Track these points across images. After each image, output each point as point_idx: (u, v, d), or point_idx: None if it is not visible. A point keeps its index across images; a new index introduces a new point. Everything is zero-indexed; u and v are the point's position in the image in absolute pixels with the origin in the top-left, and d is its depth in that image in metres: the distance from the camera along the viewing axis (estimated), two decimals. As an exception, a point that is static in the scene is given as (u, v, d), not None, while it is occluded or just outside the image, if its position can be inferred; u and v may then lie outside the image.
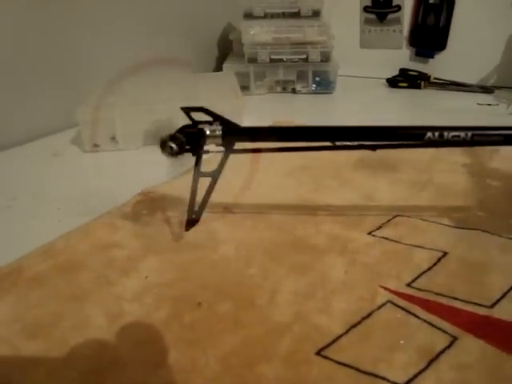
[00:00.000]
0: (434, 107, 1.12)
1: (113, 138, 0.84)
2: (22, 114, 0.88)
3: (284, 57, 1.16)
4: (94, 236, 0.57)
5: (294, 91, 1.21)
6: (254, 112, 0.96)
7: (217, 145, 0.50)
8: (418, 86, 1.26)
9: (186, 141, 0.48)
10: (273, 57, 1.15)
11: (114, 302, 0.46)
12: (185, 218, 0.57)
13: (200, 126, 0.49)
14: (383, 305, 0.45)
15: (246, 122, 0.81)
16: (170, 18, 1.19)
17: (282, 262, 0.52)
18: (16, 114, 0.88)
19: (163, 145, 0.47)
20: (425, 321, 0.43)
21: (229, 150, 0.50)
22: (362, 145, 0.50)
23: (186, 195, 0.62)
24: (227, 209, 0.62)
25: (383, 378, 0.37)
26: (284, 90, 1.22)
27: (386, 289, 0.47)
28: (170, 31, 1.20)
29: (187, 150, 0.49)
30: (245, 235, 0.57)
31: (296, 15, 1.18)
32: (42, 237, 0.56)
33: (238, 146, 0.54)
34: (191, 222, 0.52)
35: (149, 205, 0.64)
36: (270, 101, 1.18)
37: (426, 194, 0.67)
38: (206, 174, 0.51)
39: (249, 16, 1.17)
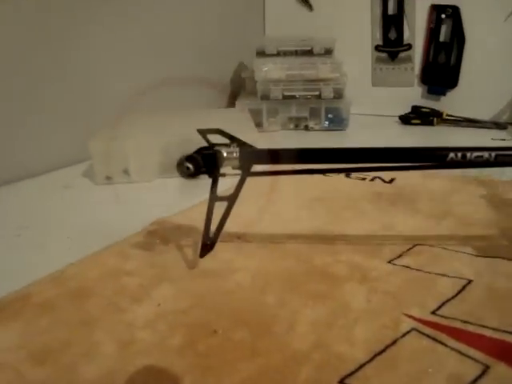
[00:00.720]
0: (448, 143, 1.11)
1: (125, 171, 0.84)
2: (36, 146, 0.88)
3: (297, 93, 1.16)
4: (105, 264, 0.56)
5: (306, 128, 1.21)
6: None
7: (233, 168, 0.49)
8: (431, 123, 1.25)
9: (203, 163, 0.47)
10: (286, 93, 1.16)
11: (125, 328, 0.44)
12: (199, 246, 0.55)
13: (217, 148, 0.48)
14: (408, 332, 0.43)
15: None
16: (184, 56, 1.21)
17: (299, 290, 0.50)
18: (29, 147, 0.88)
19: (179, 165, 0.46)
20: (453, 349, 0.41)
21: (246, 172, 0.48)
22: (384, 167, 0.49)
23: (199, 224, 0.60)
24: (241, 238, 0.61)
25: (414, 409, 0.35)
26: (297, 126, 1.22)
27: (409, 316, 0.45)
28: (183, 69, 1.21)
29: (203, 172, 0.48)
30: (260, 264, 0.55)
31: (308, 53, 1.19)
32: (51, 265, 0.55)
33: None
34: (206, 248, 0.51)
35: (162, 234, 0.63)
36: (282, 137, 1.18)
37: (446, 223, 0.65)
38: (222, 199, 0.49)
39: (261, 54, 1.19)
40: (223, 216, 0.49)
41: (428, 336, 0.42)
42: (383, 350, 0.41)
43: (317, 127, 1.20)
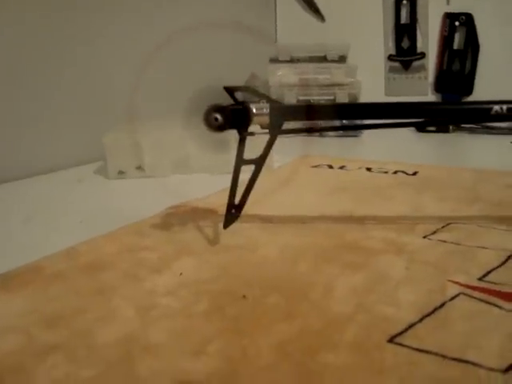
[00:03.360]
0: (465, 149, 1.09)
1: (139, 167, 0.81)
2: (50, 145, 0.87)
3: (311, 98, 1.14)
4: (121, 240, 0.52)
5: (321, 134, 1.18)
6: (281, 153, 0.92)
7: (262, 126, 0.46)
8: (447, 130, 1.22)
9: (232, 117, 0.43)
10: (300, 98, 1.14)
11: (145, 295, 0.41)
12: (219, 226, 0.52)
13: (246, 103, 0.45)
14: (456, 296, 0.39)
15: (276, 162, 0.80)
16: (196, 64, 1.20)
17: (333, 261, 0.46)
18: (43, 145, 0.86)
19: (207, 115, 0.43)
20: (510, 310, 0.37)
21: (276, 130, 0.45)
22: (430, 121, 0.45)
23: (219, 208, 0.58)
24: (264, 220, 0.57)
25: (476, 365, 0.31)
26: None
27: (455, 282, 0.41)
28: (195, 77, 1.19)
29: (231, 127, 0.44)
30: (288, 239, 0.52)
31: (322, 59, 1.17)
32: (63, 243, 0.51)
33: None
34: (231, 217, 0.47)
35: (180, 216, 0.59)
36: (296, 142, 1.15)
37: (477, 206, 0.61)
38: (249, 162, 0.46)
39: (275, 60, 1.17)
40: (250, 180, 0.46)
41: (479, 299, 0.38)
42: (432, 312, 0.37)
43: (331, 133, 1.18)
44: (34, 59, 0.84)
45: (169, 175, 0.81)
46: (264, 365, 0.32)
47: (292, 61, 1.17)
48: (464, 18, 1.23)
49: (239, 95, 0.48)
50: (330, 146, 1.13)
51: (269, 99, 0.45)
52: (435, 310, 0.37)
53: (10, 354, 0.33)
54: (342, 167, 0.82)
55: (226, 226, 0.47)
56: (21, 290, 0.42)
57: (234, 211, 0.47)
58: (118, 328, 0.36)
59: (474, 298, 0.39)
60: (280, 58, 1.17)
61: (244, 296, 0.40)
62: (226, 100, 0.48)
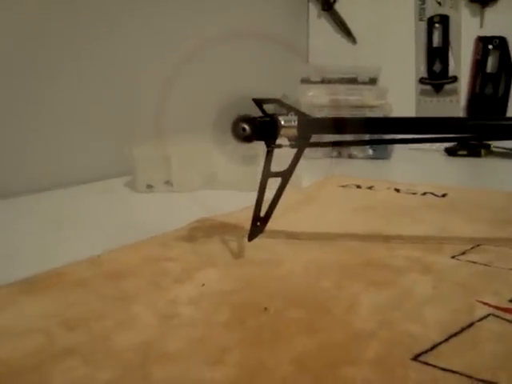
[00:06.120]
0: (497, 174, 1.07)
1: (167, 181, 0.81)
2: (81, 156, 0.88)
3: (340, 119, 1.13)
4: (145, 251, 0.52)
5: (350, 156, 1.18)
6: (310, 173, 0.92)
7: (290, 139, 0.46)
8: (478, 155, 1.20)
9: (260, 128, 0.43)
10: (329, 119, 1.13)
11: (166, 304, 0.40)
12: (244, 240, 0.51)
13: (274, 115, 0.45)
14: (485, 317, 0.38)
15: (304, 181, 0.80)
16: (226, 85, 1.21)
17: (357, 277, 0.45)
18: (75, 156, 0.87)
19: (235, 125, 0.43)
20: (543, 333, 0.35)
21: (304, 143, 0.45)
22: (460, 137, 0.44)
23: (244, 223, 0.57)
24: (289, 236, 0.57)
25: (505, 386, 0.29)
26: (340, 154, 1.18)
27: (485, 303, 0.40)
28: (225, 97, 1.20)
29: (259, 138, 0.44)
30: (312, 256, 0.51)
31: (353, 81, 1.17)
32: (88, 252, 0.52)
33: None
34: (256, 230, 0.47)
35: (205, 229, 0.59)
36: (325, 164, 1.14)
37: (509, 229, 0.60)
38: (276, 174, 0.46)
39: (306, 81, 1.17)
40: (277, 192, 0.46)
41: (510, 321, 0.37)
42: (459, 332, 0.36)
43: (360, 155, 1.17)
44: (67, 74, 0.86)
45: (196, 190, 0.81)
46: (282, 377, 0.31)
47: (323, 81, 1.18)
48: (497, 41, 1.22)
49: (268, 108, 0.48)
50: (359, 168, 1.12)
51: (297, 112, 0.45)
52: (463, 329, 0.36)
53: (30, 355, 0.33)
54: (370, 187, 0.81)
55: (250, 238, 0.47)
56: (44, 293, 0.42)
57: (259, 224, 0.47)
58: (136, 334, 0.36)
59: (505, 319, 0.37)
60: (311, 79, 1.18)
61: (265, 308, 0.39)
62: (255, 112, 0.48)
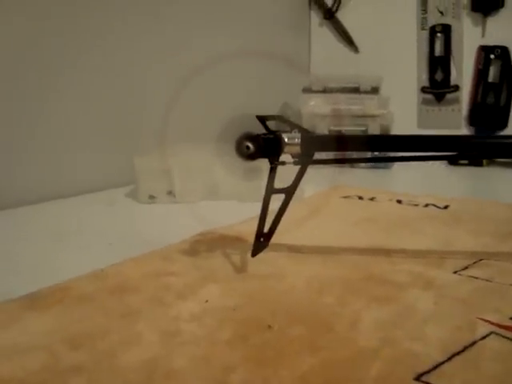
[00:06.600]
0: (499, 183, 1.07)
1: (170, 192, 0.82)
2: (82, 166, 0.89)
3: (343, 129, 1.14)
4: (148, 265, 0.53)
5: (352, 165, 1.18)
6: (311, 183, 0.92)
7: (294, 155, 0.46)
8: (480, 164, 1.21)
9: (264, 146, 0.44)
10: (331, 128, 1.14)
11: (169, 321, 0.41)
12: (247, 254, 0.52)
13: (278, 133, 0.45)
14: (487, 335, 0.38)
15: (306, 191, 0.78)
16: (229, 94, 1.21)
17: (359, 293, 0.45)
18: (76, 166, 0.88)
19: (239, 143, 0.43)
20: (544, 352, 0.35)
21: (308, 160, 0.45)
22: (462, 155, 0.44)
23: (247, 236, 0.57)
24: (292, 249, 0.57)
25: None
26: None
27: (486, 321, 0.40)
28: (228, 106, 1.21)
29: (263, 156, 0.45)
30: (314, 270, 0.51)
31: (355, 90, 1.17)
32: (91, 265, 0.52)
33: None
34: (260, 246, 0.47)
35: (208, 243, 0.60)
36: (327, 173, 1.14)
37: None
38: (279, 191, 0.46)
39: (308, 90, 1.18)
40: (280, 209, 0.46)
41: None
42: (461, 351, 0.36)
43: (362, 164, 1.17)
44: (70, 83, 0.86)
45: (199, 201, 0.82)
46: (286, 397, 0.31)
47: (325, 91, 1.18)
48: (499, 50, 1.22)
49: (271, 124, 0.48)
50: (361, 178, 1.12)
51: (301, 129, 0.45)
52: (465, 348, 0.36)
53: (35, 374, 0.33)
54: (372, 199, 0.81)
55: (254, 254, 0.47)
56: (48, 309, 0.42)
57: (262, 240, 0.47)
58: (141, 352, 0.36)
59: (507, 337, 0.38)
60: (313, 88, 1.18)
61: (269, 326, 0.39)
62: (258, 128, 0.49)
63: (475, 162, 1.21)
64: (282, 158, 0.47)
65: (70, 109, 0.87)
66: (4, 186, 0.78)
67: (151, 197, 0.81)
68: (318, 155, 0.47)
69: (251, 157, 0.44)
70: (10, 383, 0.33)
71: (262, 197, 0.47)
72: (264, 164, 0.51)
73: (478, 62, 1.25)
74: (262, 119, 0.46)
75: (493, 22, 1.25)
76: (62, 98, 0.86)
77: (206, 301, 0.44)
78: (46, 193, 0.82)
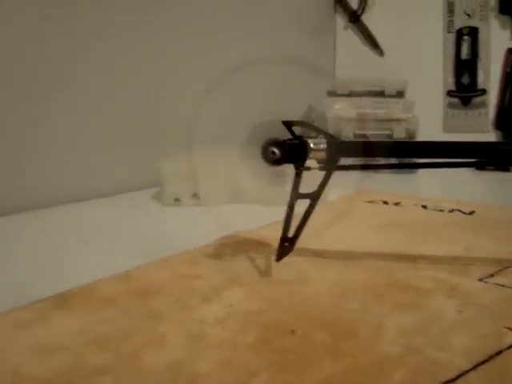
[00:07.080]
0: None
1: (195, 195, 0.82)
2: (109, 168, 0.90)
3: (368, 133, 1.13)
4: (173, 267, 0.53)
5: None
6: (336, 187, 0.92)
7: (319, 161, 0.46)
8: (507, 169, 1.19)
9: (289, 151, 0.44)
10: (356, 132, 1.14)
11: (194, 324, 0.41)
12: (272, 258, 0.52)
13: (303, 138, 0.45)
14: (513, 345, 0.38)
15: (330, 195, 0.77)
16: (252, 97, 1.22)
17: (382, 299, 0.45)
18: (102, 168, 0.89)
19: (265, 149, 0.44)
20: None
21: (333, 166, 0.45)
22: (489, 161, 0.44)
23: (271, 240, 0.58)
24: (315, 254, 0.57)
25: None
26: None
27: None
28: (250, 110, 1.21)
29: (288, 161, 0.45)
30: (338, 276, 0.51)
31: (380, 94, 1.17)
32: (116, 267, 0.53)
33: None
34: (284, 250, 0.47)
35: (233, 247, 0.60)
36: (352, 177, 1.14)
37: (541, 251, 0.59)
38: (304, 196, 0.46)
39: (332, 94, 1.18)
40: (305, 215, 0.46)
41: (539, 350, 0.37)
42: (487, 360, 0.36)
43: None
44: (96, 85, 0.88)
45: (223, 204, 0.82)
46: (309, 402, 0.31)
47: (350, 95, 1.18)
48: (528, 54, 1.21)
49: (297, 129, 0.48)
50: (386, 182, 1.12)
51: (326, 134, 0.46)
52: (490, 358, 0.36)
53: (61, 374, 0.34)
54: (397, 203, 0.81)
55: (278, 258, 0.48)
56: (74, 310, 0.43)
57: (287, 244, 0.48)
58: (165, 354, 0.37)
59: (533, 347, 0.37)
60: (338, 92, 1.18)
61: (293, 331, 0.39)
62: (283, 132, 0.49)
63: (501, 167, 1.19)
64: (308, 163, 0.47)
65: (93, 111, 0.88)
66: (29, 187, 0.80)
67: (176, 199, 0.82)
68: (343, 160, 0.47)
69: (277, 162, 0.44)
70: (38, 382, 0.34)
71: (287, 201, 0.48)
72: (289, 168, 0.51)
73: (505, 65, 1.24)
74: (288, 124, 0.46)
75: (521, 24, 1.23)
76: (86, 102, 0.87)
77: (230, 304, 0.44)
78: (70, 195, 0.84)
